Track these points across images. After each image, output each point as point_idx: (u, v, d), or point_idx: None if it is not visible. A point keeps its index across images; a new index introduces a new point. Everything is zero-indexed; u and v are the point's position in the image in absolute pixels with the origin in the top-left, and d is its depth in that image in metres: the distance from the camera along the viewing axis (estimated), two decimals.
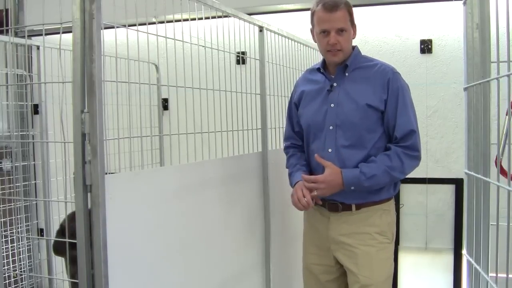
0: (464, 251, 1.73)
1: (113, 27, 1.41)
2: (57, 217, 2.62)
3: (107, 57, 1.36)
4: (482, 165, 1.55)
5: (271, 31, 2.24)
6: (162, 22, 1.55)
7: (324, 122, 1.84)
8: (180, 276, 1.64)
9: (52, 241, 2.06)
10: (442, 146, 2.99)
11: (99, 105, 1.22)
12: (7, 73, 2.79)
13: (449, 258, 2.98)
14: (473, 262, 1.56)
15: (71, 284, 1.68)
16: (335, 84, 1.85)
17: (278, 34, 2.32)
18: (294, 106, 2.01)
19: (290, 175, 1.96)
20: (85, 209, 1.23)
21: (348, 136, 1.80)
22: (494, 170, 1.59)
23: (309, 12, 1.85)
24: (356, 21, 1.84)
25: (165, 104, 3.53)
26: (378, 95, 1.78)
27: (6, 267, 2.88)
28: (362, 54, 1.90)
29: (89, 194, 1.23)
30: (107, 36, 1.33)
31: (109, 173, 1.30)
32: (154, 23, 1.51)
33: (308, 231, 2.01)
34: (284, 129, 2.15)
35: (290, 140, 2.05)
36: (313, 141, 1.90)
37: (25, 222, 3.01)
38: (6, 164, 3.26)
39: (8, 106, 2.91)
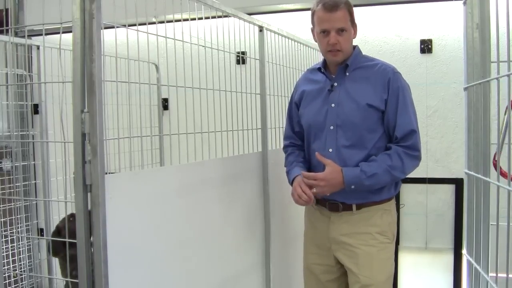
0: (464, 251, 1.73)
1: (113, 27, 1.41)
2: (57, 217, 2.62)
3: (107, 57, 1.36)
4: (482, 165, 1.55)
5: (271, 31, 2.24)
6: (162, 22, 1.55)
7: (325, 122, 1.84)
8: (180, 276, 1.64)
9: (48, 243, 2.05)
10: (442, 146, 2.99)
11: (99, 105, 1.22)
12: (7, 73, 2.78)
13: (449, 258, 2.98)
14: (473, 262, 1.56)
15: (70, 284, 1.68)
16: (335, 84, 1.85)
17: (278, 34, 2.32)
18: (295, 106, 2.01)
19: (288, 172, 1.97)
20: (85, 209, 1.23)
21: (348, 136, 1.80)
22: (494, 170, 1.60)
23: (309, 12, 1.85)
24: (356, 21, 1.83)
25: (165, 104, 3.52)
26: (378, 95, 1.77)
27: (6, 267, 2.88)
28: (363, 53, 1.90)
29: (89, 194, 1.23)
30: (107, 36, 1.33)
31: (109, 173, 1.30)
32: (154, 23, 1.51)
33: (308, 231, 2.01)
34: (284, 129, 2.15)
35: (289, 139, 2.05)
36: (314, 141, 1.90)
37: (25, 222, 3.01)
38: (6, 164, 3.26)
39: (8, 106, 2.90)
